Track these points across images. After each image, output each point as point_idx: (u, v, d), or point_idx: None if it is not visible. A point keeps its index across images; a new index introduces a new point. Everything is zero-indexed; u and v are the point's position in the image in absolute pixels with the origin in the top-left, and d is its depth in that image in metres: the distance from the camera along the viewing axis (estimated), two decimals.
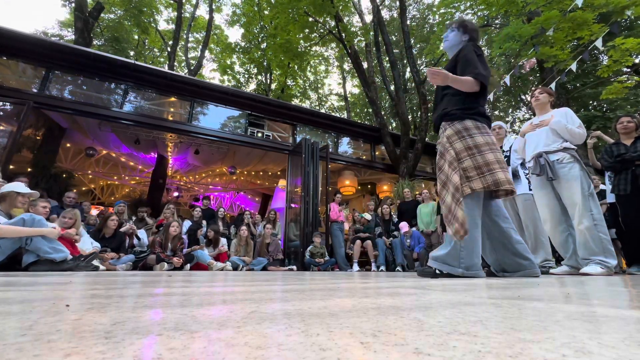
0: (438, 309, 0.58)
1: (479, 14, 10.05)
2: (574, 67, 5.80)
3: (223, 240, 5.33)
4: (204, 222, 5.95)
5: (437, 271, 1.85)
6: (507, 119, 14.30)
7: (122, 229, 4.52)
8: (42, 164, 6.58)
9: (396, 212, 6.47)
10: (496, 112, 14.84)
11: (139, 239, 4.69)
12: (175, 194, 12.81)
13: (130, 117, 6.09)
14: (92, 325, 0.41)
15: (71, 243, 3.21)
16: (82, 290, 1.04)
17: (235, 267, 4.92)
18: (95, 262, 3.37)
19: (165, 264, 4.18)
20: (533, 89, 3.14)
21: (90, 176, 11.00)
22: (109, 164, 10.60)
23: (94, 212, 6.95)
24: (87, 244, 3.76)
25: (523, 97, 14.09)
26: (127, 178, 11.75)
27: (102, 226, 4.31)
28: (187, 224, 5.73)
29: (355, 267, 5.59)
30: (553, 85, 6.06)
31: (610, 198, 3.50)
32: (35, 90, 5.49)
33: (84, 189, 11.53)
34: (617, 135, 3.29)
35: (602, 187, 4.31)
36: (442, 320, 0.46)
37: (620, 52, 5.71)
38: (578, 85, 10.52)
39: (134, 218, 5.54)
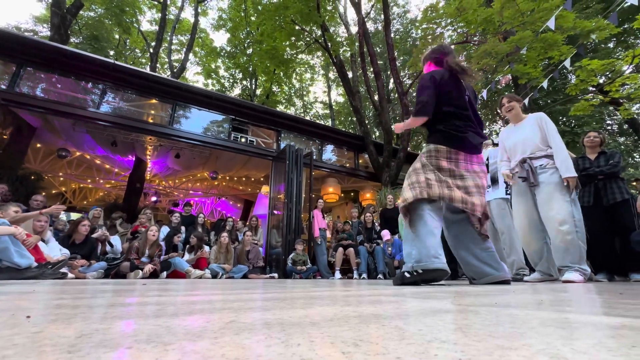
0: (419, 317, 0.58)
1: (458, 30, 10.51)
2: (545, 84, 6.18)
3: (207, 248, 5.19)
4: (183, 228, 5.77)
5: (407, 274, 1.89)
6: (484, 132, 14.97)
7: (94, 235, 4.30)
8: (9, 164, 6.18)
9: (379, 220, 6.53)
10: None
11: (111, 245, 4.47)
12: (153, 198, 12.36)
13: (108, 118, 5.86)
14: (54, 339, 0.38)
15: (36, 249, 3.03)
16: (47, 300, 0.97)
17: (214, 275, 4.78)
18: (64, 270, 3.18)
19: (140, 271, 4.01)
20: (500, 99, 3.28)
21: (61, 178, 10.43)
22: (83, 166, 10.10)
23: (64, 216, 6.59)
24: (55, 251, 3.55)
25: (499, 110, 14.77)
26: (101, 181, 11.23)
27: (72, 232, 4.08)
28: (165, 229, 5.54)
29: (337, 274, 5.58)
30: (527, 101, 6.40)
31: None
32: (3, 87, 5.19)
33: (54, 192, 10.91)
34: (584, 149, 3.49)
35: None
36: (423, 328, 0.46)
37: (587, 72, 6.12)
38: (549, 101, 11.15)
39: (107, 223, 5.29)
